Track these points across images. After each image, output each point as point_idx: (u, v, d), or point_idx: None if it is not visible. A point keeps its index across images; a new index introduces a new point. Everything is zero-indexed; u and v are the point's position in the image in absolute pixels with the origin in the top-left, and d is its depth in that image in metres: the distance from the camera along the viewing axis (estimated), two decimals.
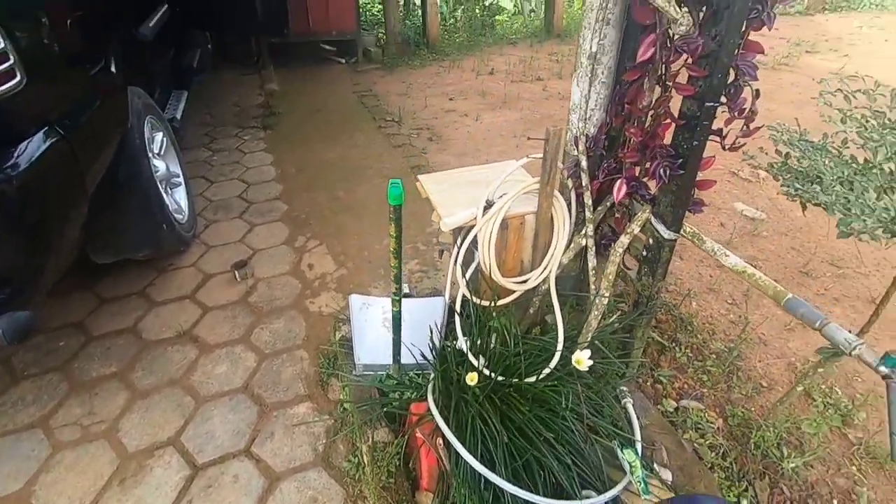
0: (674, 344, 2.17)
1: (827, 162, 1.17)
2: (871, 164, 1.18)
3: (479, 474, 1.44)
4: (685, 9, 1.24)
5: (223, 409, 2.03)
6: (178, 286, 2.72)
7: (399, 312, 1.64)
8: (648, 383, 2.00)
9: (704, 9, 1.24)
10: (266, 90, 5.65)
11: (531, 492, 1.42)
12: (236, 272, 2.73)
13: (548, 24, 7.76)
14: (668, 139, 1.52)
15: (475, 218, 1.73)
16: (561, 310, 1.92)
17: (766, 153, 1.44)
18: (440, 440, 1.50)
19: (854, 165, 1.18)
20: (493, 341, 1.83)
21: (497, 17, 8.43)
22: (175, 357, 2.28)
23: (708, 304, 2.49)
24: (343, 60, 6.66)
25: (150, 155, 2.66)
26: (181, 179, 3.13)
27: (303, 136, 4.52)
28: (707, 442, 1.74)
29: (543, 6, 8.07)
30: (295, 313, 2.52)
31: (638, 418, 1.75)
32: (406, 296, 2.45)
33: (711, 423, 1.82)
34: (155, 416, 2.01)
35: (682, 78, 1.39)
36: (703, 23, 1.26)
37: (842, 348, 1.13)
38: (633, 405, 1.78)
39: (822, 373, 1.53)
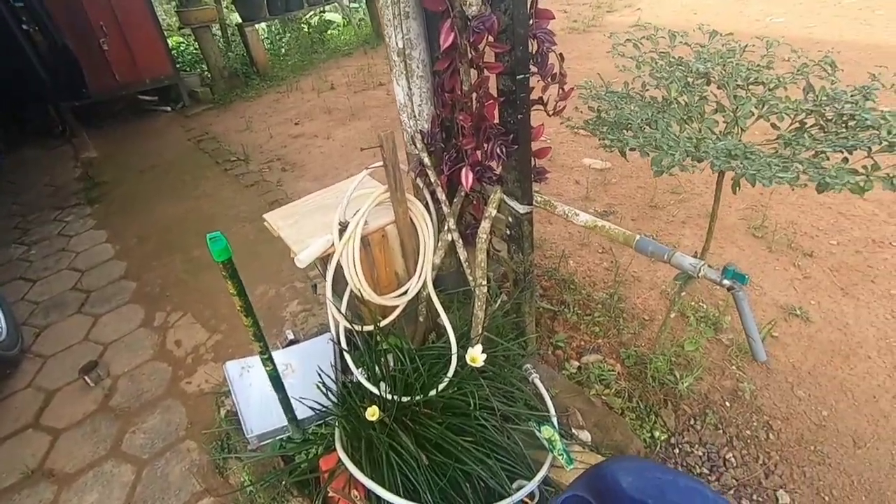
0: (563, 307, 2.24)
1: (633, 108, 1.25)
2: (668, 101, 1.28)
3: None
4: None
5: None
6: (13, 417, 2.24)
7: (274, 370, 1.47)
8: (550, 351, 2.04)
9: None
10: (83, 160, 4.94)
11: None
12: (86, 378, 2.32)
13: (377, 28, 7.78)
14: (496, 118, 1.53)
15: (332, 245, 1.61)
16: (449, 309, 1.88)
17: (582, 112, 1.50)
18: (355, 492, 1.37)
19: (654, 105, 1.26)
20: (390, 363, 1.74)
21: (327, 32, 8.26)
22: None
23: (583, 258, 2.62)
24: (168, 108, 6.07)
25: None
26: None
27: (138, 200, 4.01)
28: (612, 391, 1.82)
29: (369, 13, 8.07)
30: (171, 401, 2.20)
31: (547, 390, 1.76)
32: (292, 342, 2.25)
33: (612, 370, 1.90)
34: None
35: (491, 57, 1.40)
36: (492, 0, 1.27)
37: (690, 273, 1.21)
38: (539, 379, 1.79)
39: (684, 296, 1.65)
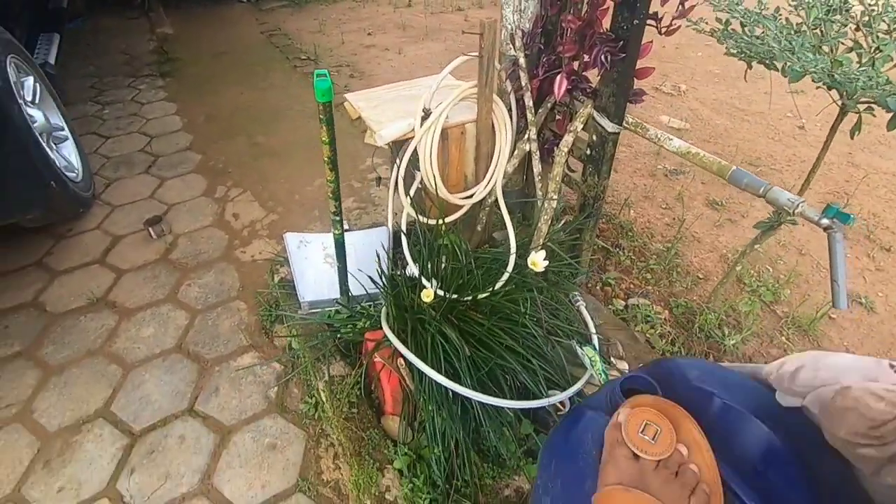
0: (617, 249, 2.21)
1: (767, 25, 1.16)
2: (804, 26, 1.18)
3: (445, 389, 1.39)
4: None
5: (157, 372, 1.84)
6: (82, 252, 2.40)
7: (342, 236, 1.52)
8: (598, 287, 2.04)
9: None
10: (158, 35, 5.00)
11: (497, 398, 1.40)
12: (150, 229, 2.44)
13: None
14: (605, 26, 1.46)
15: (412, 129, 1.60)
16: (502, 227, 1.87)
17: (707, 22, 1.41)
18: (400, 361, 1.43)
19: (788, 27, 1.17)
20: (443, 261, 1.76)
21: None
22: (90, 326, 2.03)
23: (645, 210, 2.55)
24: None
25: (21, 101, 2.25)
26: (66, 133, 2.71)
27: (209, 82, 4.07)
28: (657, 332, 1.81)
29: None
30: (225, 265, 2.31)
31: (592, 319, 1.77)
32: (346, 231, 2.31)
33: (659, 315, 1.89)
34: (76, 391, 1.79)
35: None
36: None
37: (786, 209, 1.16)
38: (585, 307, 1.80)
39: (757, 249, 1.60)
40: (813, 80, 1.00)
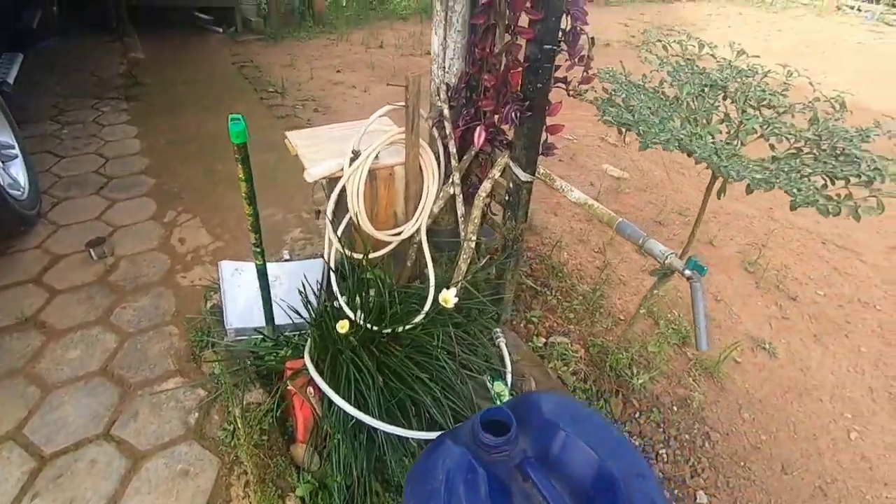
0: (545, 289, 2.33)
1: (642, 97, 1.32)
2: (679, 99, 1.35)
3: (354, 420, 1.45)
4: None
5: (77, 395, 1.84)
6: (19, 270, 2.39)
7: (263, 265, 1.58)
8: (522, 324, 2.14)
9: None
10: (129, 59, 5.08)
11: (403, 428, 1.46)
12: (91, 251, 2.46)
13: None
14: (519, 86, 1.61)
15: (342, 169, 1.71)
16: (437, 262, 1.97)
17: (595, 90, 1.58)
18: (311, 389, 1.49)
19: (663, 99, 1.34)
20: (370, 294, 1.84)
21: None
22: (15, 346, 2.01)
23: (578, 253, 2.70)
24: (220, 30, 6.18)
25: None
26: (16, 151, 2.74)
27: (174, 108, 4.14)
28: (570, 369, 1.91)
29: None
30: (163, 289, 2.33)
31: (510, 354, 1.86)
32: (286, 261, 2.37)
33: (575, 353, 1.99)
34: None
35: (525, 23, 1.47)
36: None
37: (658, 259, 1.29)
38: (505, 343, 1.89)
39: (656, 294, 1.73)
40: (663, 148, 1.15)
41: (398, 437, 1.45)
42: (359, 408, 1.50)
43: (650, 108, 1.27)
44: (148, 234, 2.68)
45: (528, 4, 1.38)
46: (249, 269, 2.08)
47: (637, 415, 1.86)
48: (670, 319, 2.27)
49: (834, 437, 1.87)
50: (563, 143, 3.71)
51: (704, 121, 1.40)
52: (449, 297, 1.56)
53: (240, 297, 1.96)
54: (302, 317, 1.75)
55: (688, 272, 1.20)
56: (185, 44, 5.76)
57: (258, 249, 1.52)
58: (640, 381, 1.89)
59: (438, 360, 1.63)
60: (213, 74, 4.93)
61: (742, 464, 1.75)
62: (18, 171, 2.71)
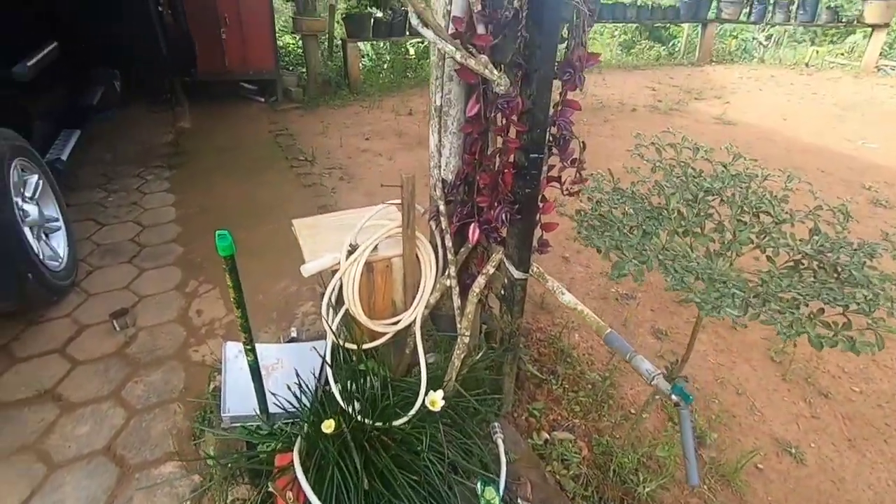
0: (552, 376, 2.25)
1: (627, 209, 1.31)
2: (668, 210, 1.33)
3: None
4: (501, 72, 1.36)
5: (78, 475, 1.87)
6: (46, 339, 2.53)
7: (255, 361, 1.61)
8: (524, 416, 2.06)
9: (519, 72, 1.37)
10: (176, 128, 5.50)
11: None
12: (115, 322, 2.58)
13: None
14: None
15: (338, 263, 1.75)
16: (437, 349, 1.96)
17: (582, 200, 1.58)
18: (290, 493, 1.46)
19: (651, 211, 1.32)
20: (368, 384, 1.83)
21: (425, 62, 8.72)
22: (31, 419, 2.09)
23: (589, 335, 2.62)
24: (262, 99, 6.63)
25: (18, 200, 2.51)
26: (60, 224, 2.96)
27: (210, 176, 4.41)
28: (571, 473, 1.81)
29: None
30: (175, 363, 2.40)
31: (507, 453, 1.79)
32: (292, 339, 2.41)
33: (578, 453, 1.89)
34: None
35: (514, 133, 1.51)
36: (521, 84, 1.39)
37: (645, 379, 1.23)
38: (503, 440, 1.82)
39: (657, 399, 1.64)
40: (635, 279, 1.12)
41: None
42: None
43: (632, 223, 1.25)
44: (169, 305, 2.79)
45: (513, 118, 1.42)
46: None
47: None
48: None
49: None
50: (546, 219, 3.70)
51: (697, 229, 1.36)
52: (436, 400, 1.53)
53: (241, 380, 1.98)
54: (295, 407, 1.75)
55: (675, 398, 1.14)
56: (229, 113, 6.20)
57: (248, 346, 1.55)
58: (647, 490, 1.77)
59: (427, 463, 1.58)
60: (249, 142, 5.25)
61: None
62: (59, 242, 2.92)
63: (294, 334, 2.43)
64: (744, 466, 1.90)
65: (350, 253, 1.75)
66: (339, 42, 7.35)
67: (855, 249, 1.25)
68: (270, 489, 1.48)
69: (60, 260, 2.83)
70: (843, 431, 2.13)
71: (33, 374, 2.30)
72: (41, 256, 2.58)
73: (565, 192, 1.64)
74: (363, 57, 8.11)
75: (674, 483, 1.87)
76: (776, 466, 1.97)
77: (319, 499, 1.45)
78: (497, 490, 1.60)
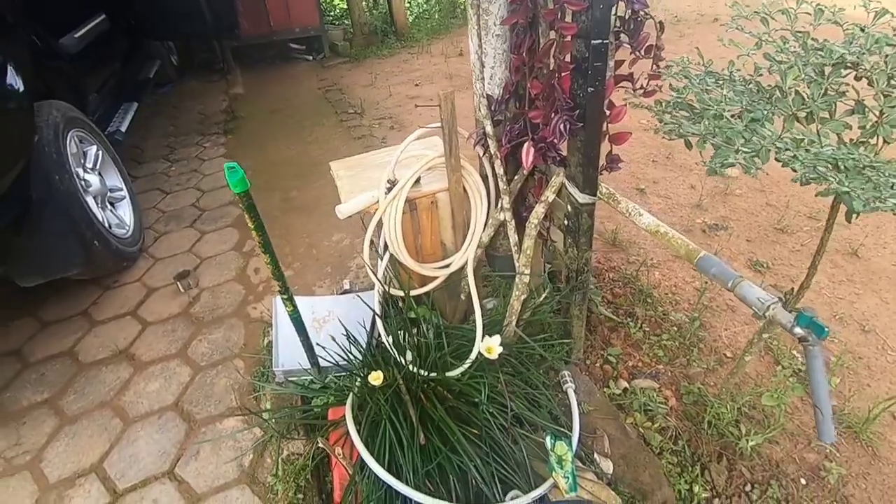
0: (629, 318, 1.98)
1: (726, 93, 0.99)
2: (782, 90, 1.00)
3: (387, 486, 1.29)
4: None
5: (150, 430, 1.92)
6: (120, 303, 2.62)
7: (295, 311, 1.50)
8: (598, 364, 1.83)
9: None
10: (230, 95, 5.53)
11: (444, 499, 1.27)
12: (179, 283, 2.62)
13: None
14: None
15: (378, 202, 1.57)
16: (497, 293, 1.77)
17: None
18: (339, 449, 1.36)
19: (758, 93, 0.99)
20: (423, 333, 1.68)
21: None
22: (108, 378, 2.17)
23: (673, 272, 2.29)
24: (310, 57, 6.52)
25: (76, 170, 2.55)
26: (124, 193, 3.03)
27: (263, 137, 4.39)
28: (656, 425, 1.57)
29: None
30: (235, 321, 2.39)
31: (579, 404, 1.59)
32: (346, 292, 2.31)
33: (664, 403, 1.64)
34: (81, 443, 1.90)
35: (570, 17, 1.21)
36: None
37: (755, 309, 0.95)
38: (574, 390, 1.61)
39: (766, 338, 1.34)
40: (745, 170, 0.82)
41: None
42: (398, 469, 1.35)
43: (735, 107, 0.94)
44: (228, 265, 2.80)
45: None
46: (303, 304, 2.03)
47: (748, 488, 1.47)
48: (793, 358, 1.80)
49: None
50: (658, 140, 3.24)
51: (825, 114, 1.02)
52: (493, 347, 1.35)
53: (292, 335, 1.91)
54: (347, 360, 1.64)
55: (799, 331, 0.86)
56: (279, 74, 6.15)
57: (286, 296, 1.44)
58: (751, 444, 1.49)
59: (487, 415, 1.41)
60: (299, 101, 5.17)
61: None
62: (125, 211, 3.00)
63: (347, 286, 2.33)
64: (875, 418, 1.56)
65: (389, 190, 1.56)
66: None
67: None
68: (321, 445, 1.39)
69: (127, 227, 2.91)
70: None
71: (110, 336, 2.39)
72: (107, 224, 2.65)
73: (639, 93, 1.32)
74: (408, 2, 7.70)
75: (784, 435, 1.58)
76: None
77: (372, 454, 1.34)
78: (569, 445, 1.40)
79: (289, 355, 1.84)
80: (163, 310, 2.53)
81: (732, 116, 0.92)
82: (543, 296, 1.63)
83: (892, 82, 1.03)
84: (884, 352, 1.82)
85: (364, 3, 6.77)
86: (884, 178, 0.74)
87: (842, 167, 0.78)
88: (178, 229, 3.22)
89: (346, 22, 7.20)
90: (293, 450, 1.57)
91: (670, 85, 1.19)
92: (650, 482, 1.41)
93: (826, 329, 0.83)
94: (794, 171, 0.78)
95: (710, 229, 2.53)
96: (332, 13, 7.77)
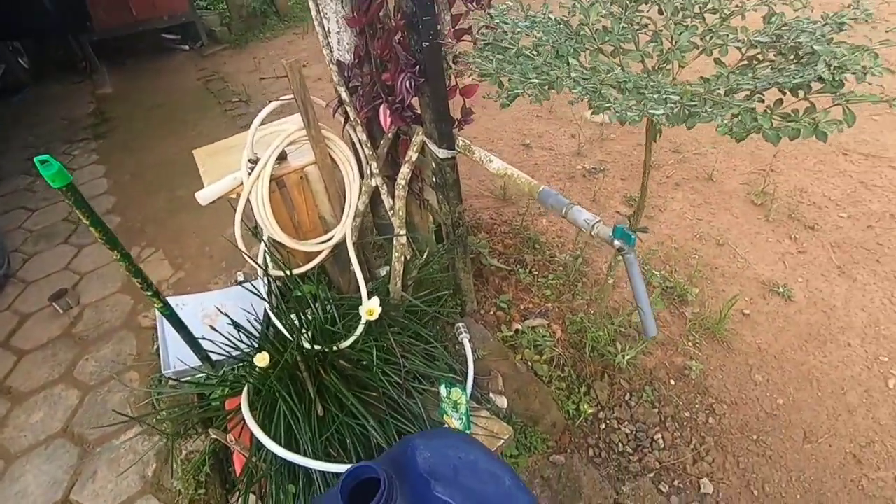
0: (518, 266, 2.09)
1: (537, 34, 1.05)
2: (587, 27, 1.08)
3: (286, 461, 1.30)
4: None
5: (38, 462, 1.78)
6: None
7: (166, 307, 1.44)
8: (492, 312, 1.92)
9: None
10: (97, 96, 5.03)
11: (343, 462, 1.30)
12: (55, 304, 2.40)
13: None
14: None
15: (241, 184, 1.52)
16: (380, 263, 1.78)
17: None
18: (231, 436, 1.34)
19: (567, 31, 1.06)
20: (313, 310, 1.67)
21: None
22: None
23: (557, 218, 2.43)
24: (186, 47, 6.05)
25: None
26: None
27: (139, 138, 4.06)
28: (544, 357, 1.69)
29: None
30: (125, 333, 2.25)
31: (474, 351, 1.67)
32: (241, 282, 2.24)
33: (551, 336, 1.77)
34: None
35: None
36: None
37: (584, 229, 1.04)
38: (469, 339, 1.69)
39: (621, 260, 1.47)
40: (533, 100, 0.89)
41: (336, 473, 1.29)
42: (297, 444, 1.36)
43: (544, 46, 1.00)
44: (112, 277, 2.61)
45: None
46: (191, 302, 1.95)
47: (627, 397, 1.63)
48: (664, 276, 2.00)
49: (867, 387, 1.58)
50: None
51: (629, 46, 1.11)
52: (373, 309, 1.37)
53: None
54: (240, 350, 1.60)
55: (617, 243, 0.95)
56: (153, 69, 5.67)
57: (150, 293, 1.37)
58: (626, 358, 1.65)
59: (379, 377, 1.45)
60: (178, 94, 4.81)
61: (754, 437, 1.50)
62: None
63: (241, 278, 2.26)
64: (727, 315, 1.77)
65: (252, 170, 1.51)
66: None
67: (818, 26, 1.01)
68: (214, 435, 1.36)
69: None
70: (832, 261, 1.99)
71: None
72: None
73: (478, 43, 1.37)
74: None
75: (656, 345, 1.76)
76: (763, 309, 1.85)
77: (270, 435, 1.33)
78: (463, 389, 1.48)
79: (178, 356, 1.76)
80: (40, 335, 2.32)
81: (539, 55, 0.98)
82: (425, 254, 1.67)
83: (682, 14, 1.14)
84: (735, 259, 2.06)
85: None
86: (657, 95, 0.83)
87: (623, 89, 0.87)
88: (49, 247, 2.93)
89: (223, 6, 6.72)
90: (192, 448, 1.52)
91: (481, 31, 1.23)
92: (540, 408, 1.53)
93: (633, 237, 0.93)
94: (573, 93, 0.85)
95: (589, 173, 2.69)
96: None
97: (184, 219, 2.95)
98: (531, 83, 0.85)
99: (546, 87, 0.86)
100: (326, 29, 1.44)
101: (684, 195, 2.44)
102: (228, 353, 1.63)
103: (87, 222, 1.13)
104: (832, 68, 0.83)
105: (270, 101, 1.54)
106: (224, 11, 6.58)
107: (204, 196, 1.48)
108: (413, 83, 1.30)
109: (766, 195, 2.31)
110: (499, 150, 2.99)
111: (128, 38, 5.91)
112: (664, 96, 0.85)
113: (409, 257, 1.64)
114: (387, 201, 1.62)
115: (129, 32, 5.60)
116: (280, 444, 1.31)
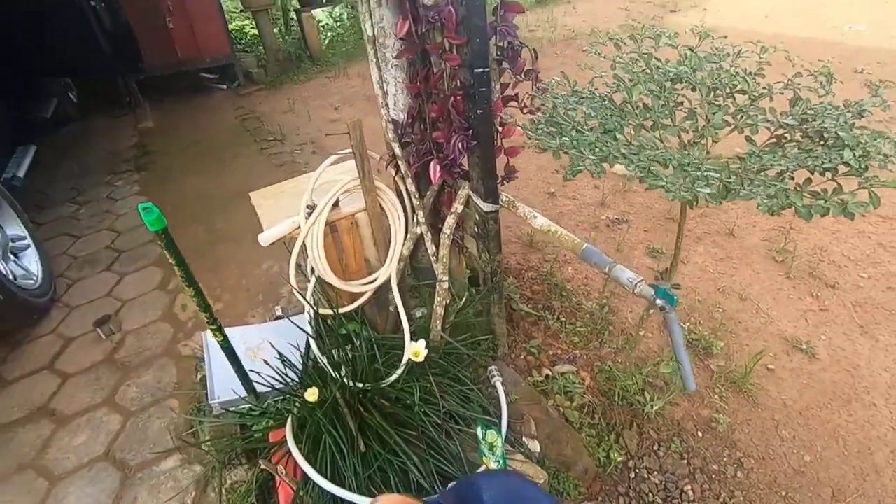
0: (547, 312, 2.17)
1: (586, 109, 1.18)
2: (632, 104, 1.20)
3: (332, 495, 1.36)
4: None
5: (81, 484, 1.84)
6: (34, 358, 2.47)
7: (225, 341, 1.53)
8: (522, 356, 1.99)
9: None
10: (140, 129, 5.31)
11: None
12: (99, 330, 2.51)
13: None
14: None
15: (299, 227, 1.65)
16: (421, 303, 1.88)
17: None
18: (281, 467, 1.41)
19: (611, 108, 1.19)
20: (357, 348, 1.76)
21: None
22: (27, 438, 2.05)
23: (584, 266, 2.52)
24: (224, 86, 6.39)
25: None
26: (28, 242, 2.86)
27: (179, 172, 4.27)
28: (574, 404, 1.75)
29: None
30: (166, 360, 2.34)
31: (507, 394, 1.73)
32: (279, 317, 2.34)
33: (581, 383, 1.83)
34: None
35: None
36: None
37: (627, 288, 1.14)
38: (501, 382, 1.76)
39: (651, 314, 1.56)
40: (595, 175, 1.01)
41: None
42: (341, 478, 1.42)
43: (593, 122, 1.13)
44: (153, 305, 2.72)
45: (449, 32, 1.28)
46: (235, 335, 2.04)
47: (656, 447, 1.67)
48: (689, 328, 2.06)
49: (894, 448, 1.61)
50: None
51: (667, 121, 1.24)
52: (419, 350, 1.46)
53: (227, 365, 1.92)
54: (283, 383, 1.69)
55: (659, 302, 1.04)
56: (193, 105, 5.98)
57: (214, 327, 1.47)
58: (655, 408, 1.71)
59: (421, 416, 1.52)
60: (216, 131, 5.07)
61: (783, 493, 1.53)
62: (31, 260, 2.83)
63: (279, 312, 2.36)
64: (752, 370, 1.83)
65: (309, 214, 1.64)
66: (294, 14, 7.02)
67: (840, 112, 1.13)
68: (264, 466, 1.43)
69: (35, 277, 2.75)
70: (853, 320, 2.05)
71: (24, 395, 2.26)
72: (11, 276, 2.50)
73: (525, 110, 1.51)
74: (321, 25, 7.76)
75: (683, 397, 1.80)
76: (787, 365, 1.90)
77: (315, 469, 1.40)
78: (499, 432, 1.54)
79: (224, 386, 1.85)
80: (84, 359, 2.42)
81: (590, 130, 1.10)
82: (464, 299, 1.76)
83: (715, 92, 1.27)
84: (757, 314, 2.12)
85: (276, 29, 6.75)
86: (700, 174, 0.94)
87: (671, 165, 0.98)
88: (92, 274, 3.07)
89: (259, 49, 7.13)
90: (237, 478, 1.58)
91: (542, 104, 1.37)
92: (572, 454, 1.58)
93: (675, 298, 1.01)
94: (628, 169, 0.97)
95: (612, 224, 2.80)
96: (242, 41, 7.67)
97: (222, 251, 3.09)
98: (591, 160, 0.97)
99: (601, 162, 0.98)
100: (385, 91, 1.59)
101: (706, 249, 2.52)
102: (272, 385, 1.71)
103: (173, 262, 1.24)
104: (857, 156, 0.94)
105: (331, 155, 1.68)
106: (261, 54, 6.97)
107: (265, 238, 1.60)
108: (465, 144, 1.43)
109: (787, 252, 2.39)
110: (524, 198, 3.12)
111: (171, 77, 6.27)
112: (705, 173, 0.96)
113: (447, 302, 1.73)
114: (430, 248, 1.73)
115: (172, 72, 5.95)
116: (325, 476, 1.37)
